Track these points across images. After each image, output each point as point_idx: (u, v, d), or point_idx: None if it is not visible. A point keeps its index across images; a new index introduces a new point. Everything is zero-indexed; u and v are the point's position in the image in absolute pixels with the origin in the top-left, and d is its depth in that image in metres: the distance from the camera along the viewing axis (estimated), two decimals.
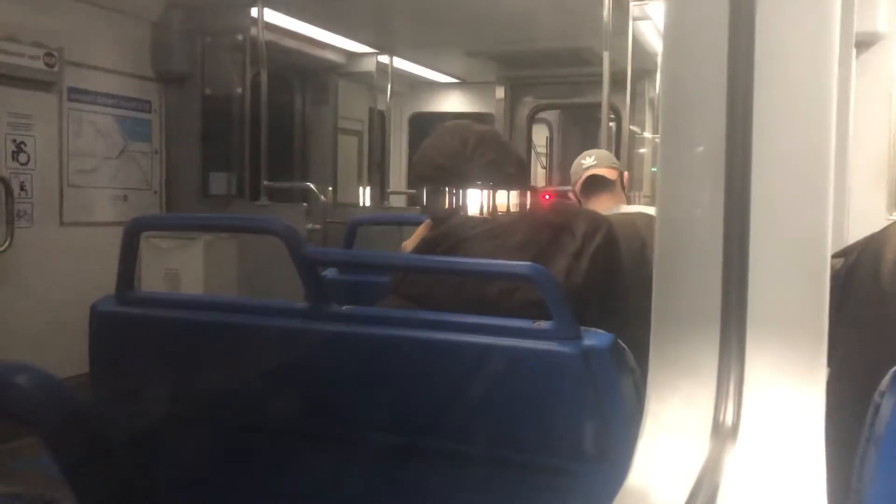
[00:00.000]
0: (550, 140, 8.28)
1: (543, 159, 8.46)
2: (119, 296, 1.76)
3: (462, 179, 1.78)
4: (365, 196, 7.22)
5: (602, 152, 3.12)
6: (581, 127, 8.49)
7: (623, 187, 3.00)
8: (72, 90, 4.41)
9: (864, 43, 2.86)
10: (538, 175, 8.31)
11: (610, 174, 2.94)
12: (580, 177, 2.94)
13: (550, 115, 8.01)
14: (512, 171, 1.82)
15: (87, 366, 1.83)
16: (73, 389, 0.66)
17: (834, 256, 1.30)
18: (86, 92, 4.51)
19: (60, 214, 4.39)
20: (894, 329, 1.38)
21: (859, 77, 2.69)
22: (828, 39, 0.92)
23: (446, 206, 1.78)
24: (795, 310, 0.91)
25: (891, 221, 1.58)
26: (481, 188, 1.76)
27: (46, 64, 4.17)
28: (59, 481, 0.67)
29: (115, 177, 4.74)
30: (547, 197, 2.57)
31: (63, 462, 0.64)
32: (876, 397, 1.12)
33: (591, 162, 2.94)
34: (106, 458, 0.66)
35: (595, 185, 2.91)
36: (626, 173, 3.10)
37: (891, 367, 1.10)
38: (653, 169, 6.36)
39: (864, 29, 2.80)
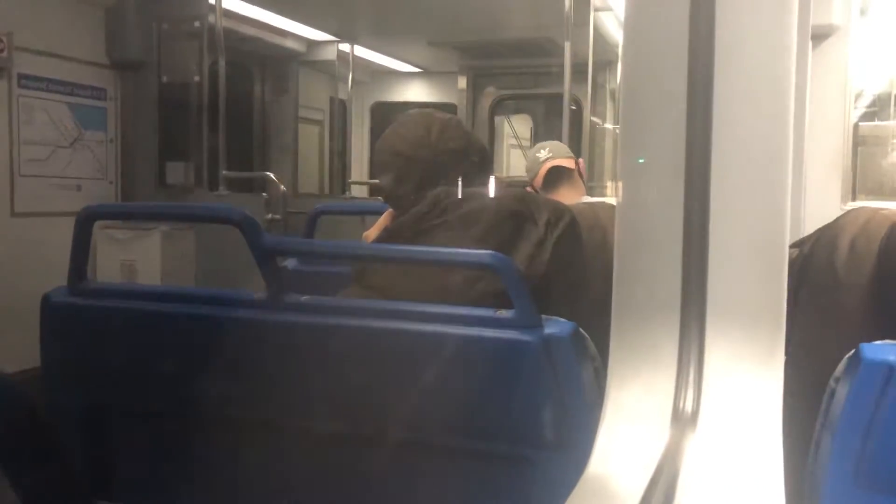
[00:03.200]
0: (535, 132, 8.23)
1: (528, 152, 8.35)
2: (71, 287, 1.71)
3: (425, 167, 1.76)
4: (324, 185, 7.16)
5: (556, 143, 3.09)
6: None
7: (581, 175, 2.98)
8: (22, 76, 4.28)
9: (820, 35, 2.90)
10: (519, 168, 8.18)
11: (569, 164, 2.93)
12: (539, 170, 2.92)
13: (535, 106, 7.94)
14: (475, 160, 1.81)
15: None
16: (15, 385, 0.63)
17: (790, 246, 1.32)
18: (38, 78, 4.38)
19: (12, 205, 4.27)
20: (849, 317, 1.41)
21: (815, 69, 2.73)
22: (786, 31, 0.92)
23: (409, 194, 1.76)
24: (754, 298, 0.92)
25: (844, 211, 1.60)
26: (444, 177, 1.75)
27: None
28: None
29: (69, 166, 4.62)
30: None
31: (3, 460, 0.61)
32: (831, 383, 1.13)
33: (546, 154, 2.92)
34: (49, 457, 0.63)
35: (556, 176, 2.89)
36: (580, 160, 3.08)
37: (845, 354, 1.12)
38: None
39: (819, 21, 2.84)
